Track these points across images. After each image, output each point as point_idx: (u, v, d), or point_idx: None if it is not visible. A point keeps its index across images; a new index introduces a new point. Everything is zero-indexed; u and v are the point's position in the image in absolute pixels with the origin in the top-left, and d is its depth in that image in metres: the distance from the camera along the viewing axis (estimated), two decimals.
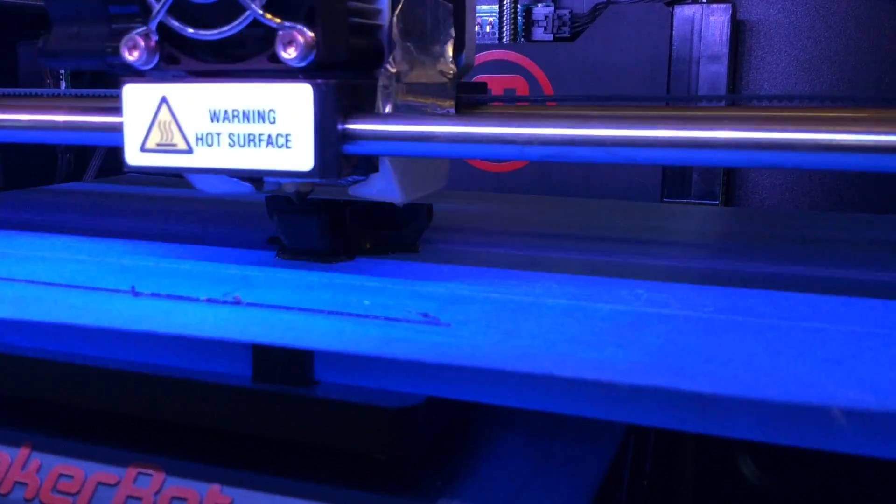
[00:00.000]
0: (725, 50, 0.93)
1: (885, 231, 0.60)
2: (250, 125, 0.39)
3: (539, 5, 1.04)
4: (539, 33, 1.03)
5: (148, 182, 0.83)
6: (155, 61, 0.39)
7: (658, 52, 0.94)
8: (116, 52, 0.40)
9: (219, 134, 0.39)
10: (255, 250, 0.50)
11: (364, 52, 0.41)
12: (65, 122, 0.46)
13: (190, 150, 0.40)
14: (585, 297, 0.39)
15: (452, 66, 0.46)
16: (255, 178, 0.45)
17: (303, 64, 0.37)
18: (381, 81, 0.41)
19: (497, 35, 1.05)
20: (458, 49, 0.47)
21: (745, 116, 0.35)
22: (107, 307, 0.39)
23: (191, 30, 0.39)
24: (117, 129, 0.42)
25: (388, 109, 0.41)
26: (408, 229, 0.49)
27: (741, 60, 0.97)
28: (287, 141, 0.38)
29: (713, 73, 0.94)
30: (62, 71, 1.14)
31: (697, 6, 0.94)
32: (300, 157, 0.38)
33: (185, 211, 0.67)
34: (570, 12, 1.02)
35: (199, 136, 0.40)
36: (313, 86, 0.37)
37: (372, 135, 0.39)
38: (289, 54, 0.37)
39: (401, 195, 0.44)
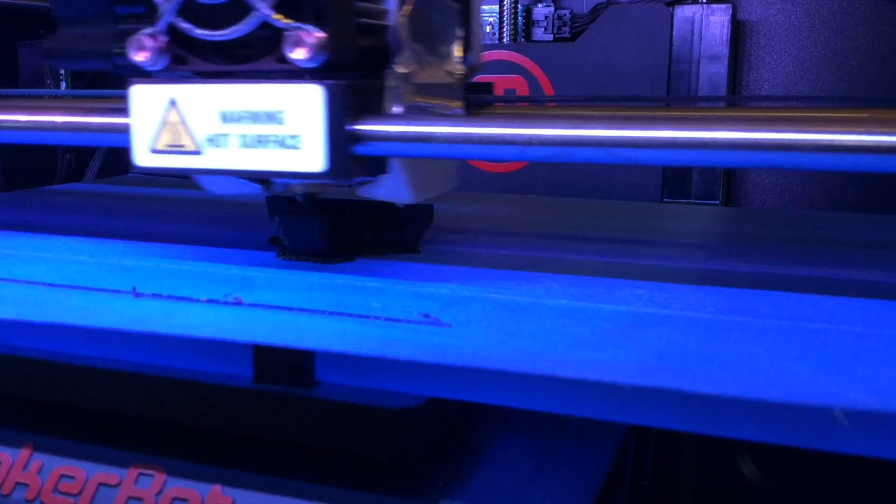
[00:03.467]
0: (725, 50, 0.93)
1: (885, 231, 0.60)
2: (260, 126, 0.38)
3: (539, 5, 1.04)
4: (539, 33, 1.03)
5: (148, 183, 0.83)
6: (163, 62, 0.39)
7: (658, 52, 0.94)
8: (123, 53, 0.40)
9: (228, 135, 0.39)
10: (257, 251, 0.50)
11: (372, 53, 0.41)
12: (68, 122, 0.46)
13: (199, 152, 0.40)
14: (586, 297, 0.39)
15: (460, 66, 0.46)
16: (263, 178, 0.44)
17: (312, 65, 0.37)
18: (390, 82, 0.41)
19: (497, 35, 1.05)
20: (465, 49, 0.47)
21: (744, 117, 0.35)
22: (108, 308, 0.38)
23: (199, 30, 0.38)
24: (123, 130, 0.41)
25: (396, 110, 0.41)
26: (408, 230, 0.49)
27: (741, 61, 0.97)
28: (297, 142, 0.38)
29: (713, 73, 0.94)
30: (62, 71, 1.14)
31: (697, 6, 0.94)
32: (311, 158, 0.38)
33: (186, 211, 0.67)
34: (570, 12, 1.02)
35: (209, 137, 0.39)
36: (323, 86, 0.37)
37: (382, 135, 0.39)
38: (297, 55, 0.37)
39: (410, 196, 0.44)
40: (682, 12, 0.94)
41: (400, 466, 0.33)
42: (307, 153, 0.38)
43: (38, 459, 0.36)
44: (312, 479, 0.33)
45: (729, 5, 0.93)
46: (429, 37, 0.43)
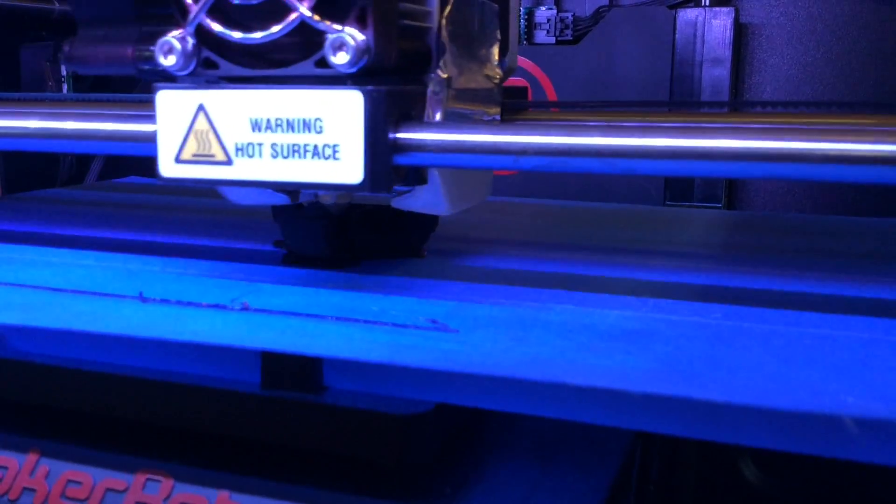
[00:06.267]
0: (728, 53, 0.93)
1: (889, 235, 0.60)
2: (295, 135, 0.36)
3: (541, 8, 1.04)
4: (541, 36, 1.03)
5: (149, 184, 0.83)
6: (192, 66, 0.37)
7: (661, 55, 0.94)
8: (147, 57, 0.38)
9: (261, 144, 0.36)
10: (262, 254, 0.50)
11: (412, 56, 0.38)
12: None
13: (229, 162, 0.37)
14: (593, 302, 0.40)
15: (498, 69, 0.44)
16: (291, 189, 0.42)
17: (353, 69, 0.34)
18: (432, 87, 0.38)
19: None
20: (501, 52, 0.45)
21: (751, 126, 0.34)
22: (115, 313, 0.38)
23: (232, 33, 0.36)
24: (149, 139, 0.39)
25: (438, 117, 0.38)
26: (414, 235, 0.49)
27: (744, 63, 0.97)
28: (335, 152, 0.35)
29: (716, 76, 0.94)
30: (64, 73, 1.14)
31: (700, 9, 0.94)
32: (349, 169, 0.35)
33: (189, 214, 0.67)
34: (572, 15, 1.02)
35: (240, 146, 0.37)
36: (364, 93, 0.35)
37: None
38: (339, 59, 0.34)
39: (448, 207, 0.42)
40: (685, 15, 0.94)
41: (407, 472, 0.33)
42: (345, 164, 0.35)
43: (46, 465, 0.36)
44: (320, 484, 0.33)
45: (731, 8, 0.93)
46: (469, 39, 0.41)
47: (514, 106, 0.48)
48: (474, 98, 0.41)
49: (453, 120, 0.39)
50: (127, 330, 0.36)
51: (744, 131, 0.34)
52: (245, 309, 0.38)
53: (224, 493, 0.34)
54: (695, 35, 0.93)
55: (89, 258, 0.49)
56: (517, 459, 0.36)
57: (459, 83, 0.40)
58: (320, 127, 0.35)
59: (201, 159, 0.37)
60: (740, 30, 0.96)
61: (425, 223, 0.49)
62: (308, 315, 0.37)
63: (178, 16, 0.37)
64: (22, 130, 0.44)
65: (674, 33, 0.94)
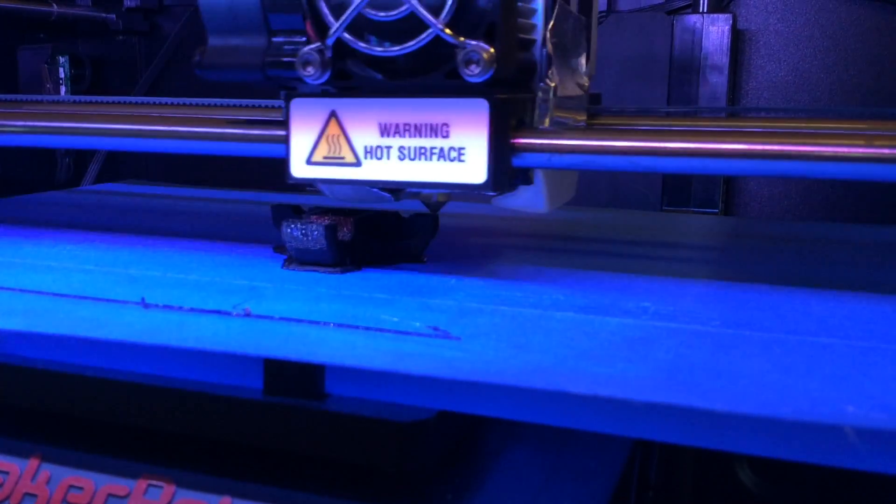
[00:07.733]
0: (726, 59, 0.93)
1: (887, 241, 0.60)
2: (422, 139, 0.40)
3: None
4: None
5: (148, 186, 0.83)
6: (327, 76, 0.40)
7: (659, 61, 0.95)
8: (277, 66, 0.41)
9: (389, 147, 0.40)
10: (262, 259, 0.50)
11: (523, 67, 0.42)
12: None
13: (358, 164, 0.41)
14: (593, 310, 0.40)
15: (587, 78, 0.47)
16: (398, 188, 0.45)
17: (482, 80, 0.38)
18: (541, 95, 0.42)
19: None
20: (586, 61, 0.48)
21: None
22: (117, 319, 0.39)
23: (373, 47, 0.39)
24: (281, 142, 0.43)
25: (546, 123, 0.42)
26: (414, 240, 0.49)
27: (741, 69, 0.98)
28: (460, 154, 0.39)
29: (713, 82, 0.94)
30: (62, 76, 1.14)
31: (698, 16, 0.94)
32: (473, 170, 0.39)
33: (190, 219, 0.67)
34: None
35: (369, 149, 0.41)
36: (490, 101, 0.39)
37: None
38: (471, 71, 0.37)
39: (546, 205, 0.45)
40: (683, 21, 0.94)
41: (409, 479, 0.33)
42: (470, 165, 0.39)
43: (47, 470, 0.36)
44: (322, 491, 0.33)
45: (729, 14, 0.93)
46: (565, 50, 0.44)
47: (596, 111, 0.51)
48: (568, 105, 0.44)
49: (557, 126, 0.42)
50: (129, 336, 0.36)
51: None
52: (247, 315, 0.38)
53: (226, 499, 0.34)
54: (692, 41, 0.93)
55: (89, 262, 0.49)
56: (519, 466, 0.36)
57: (560, 91, 0.43)
58: (447, 132, 0.39)
59: (332, 161, 0.42)
60: (738, 36, 0.96)
61: (425, 229, 0.50)
62: (310, 322, 0.37)
63: (314, 30, 0.40)
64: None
65: (672, 39, 0.94)
